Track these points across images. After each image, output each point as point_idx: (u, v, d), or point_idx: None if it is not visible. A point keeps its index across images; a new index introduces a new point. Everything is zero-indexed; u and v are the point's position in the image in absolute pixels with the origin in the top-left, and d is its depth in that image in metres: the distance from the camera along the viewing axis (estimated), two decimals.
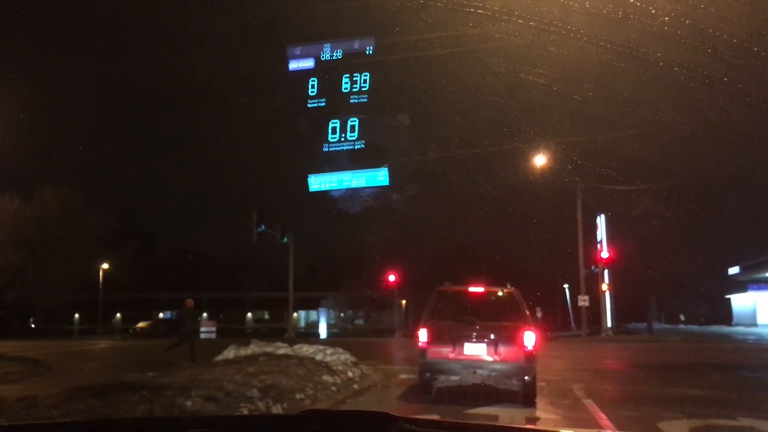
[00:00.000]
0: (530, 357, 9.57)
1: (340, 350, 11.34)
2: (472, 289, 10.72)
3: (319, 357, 10.87)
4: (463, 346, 9.73)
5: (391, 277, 42.07)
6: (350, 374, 10.20)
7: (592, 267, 34.46)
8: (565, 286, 50.99)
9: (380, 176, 12.91)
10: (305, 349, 11.29)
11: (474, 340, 9.71)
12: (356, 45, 12.28)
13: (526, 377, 9.53)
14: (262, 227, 30.36)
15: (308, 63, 12.38)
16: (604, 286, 33.67)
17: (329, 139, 12.00)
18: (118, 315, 72.80)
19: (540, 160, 31.75)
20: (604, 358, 19.60)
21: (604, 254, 33.69)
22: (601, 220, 35.77)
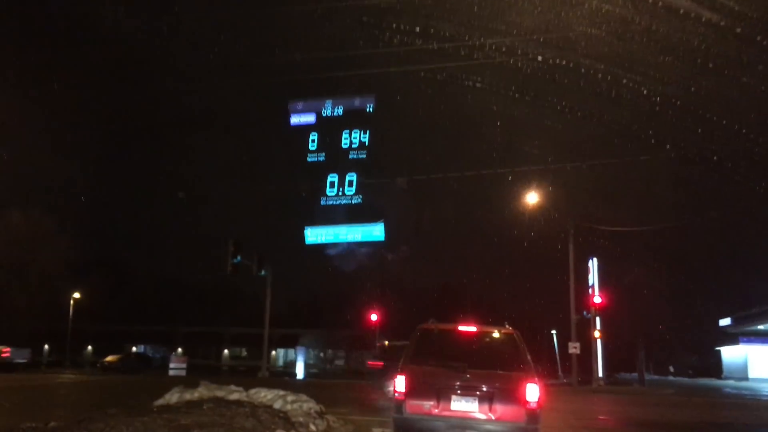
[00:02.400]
0: (533, 416, 7.79)
1: (304, 397, 9.64)
2: (462, 328, 8.76)
3: (277, 405, 9.19)
4: (449, 399, 7.92)
5: (373, 316, 40.32)
6: (312, 428, 8.51)
7: (584, 312, 32.90)
8: (553, 332, 49.47)
9: (376, 231, 13.30)
10: (262, 395, 9.59)
11: (463, 392, 7.91)
12: (357, 102, 13.04)
13: None
14: (238, 258, 28.66)
15: (310, 118, 13.06)
16: (597, 333, 32.04)
17: (327, 192, 12.39)
18: (90, 347, 70.14)
19: (531, 199, 30.55)
20: (602, 413, 18.00)
21: (597, 299, 32.16)
22: (593, 264, 34.40)
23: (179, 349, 63.25)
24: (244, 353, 71.81)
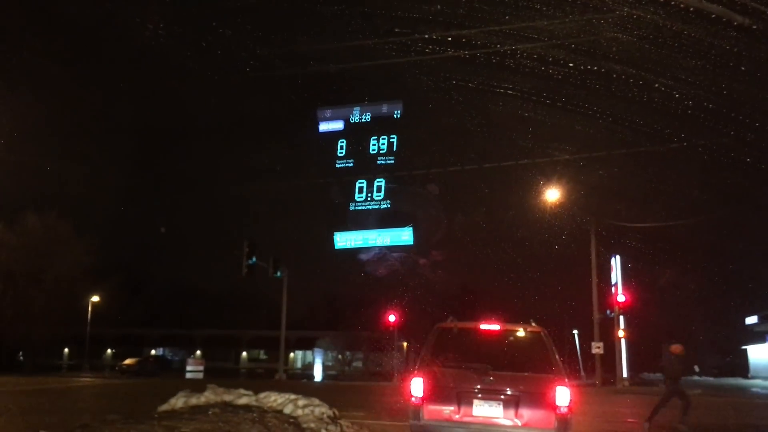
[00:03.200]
0: (564, 422, 7.02)
1: (316, 401, 9.07)
2: (484, 326, 7.93)
3: (288, 410, 8.64)
4: (471, 404, 7.21)
5: (392, 317, 39.70)
6: None
7: (607, 311, 32.04)
8: (575, 331, 48.65)
9: (405, 236, 13.47)
10: (272, 399, 9.05)
11: (487, 396, 7.21)
12: (384, 109, 13.10)
13: None
14: (253, 259, 28.25)
15: (338, 125, 13.09)
16: (621, 332, 31.15)
17: (356, 198, 12.43)
18: (109, 351, 70.33)
19: (552, 195, 29.71)
20: (630, 415, 17.19)
21: (620, 297, 31.31)
22: (616, 261, 33.53)
23: (198, 352, 63.18)
24: (263, 356, 71.55)
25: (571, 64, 14.03)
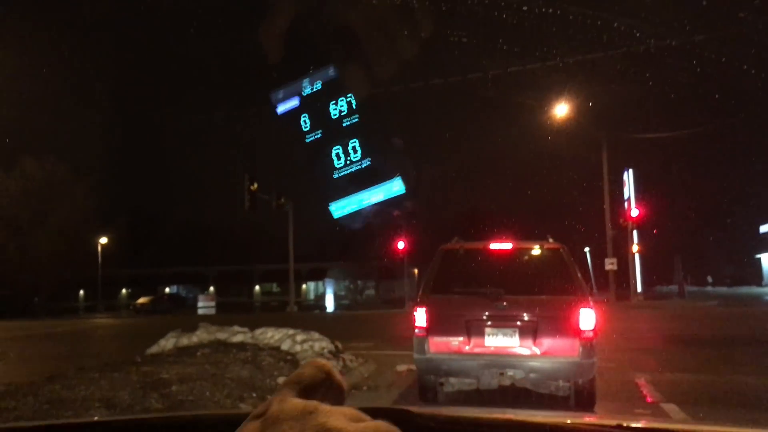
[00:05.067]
0: (589, 347, 6.21)
1: (316, 335, 8.44)
2: (494, 245, 6.92)
3: (285, 346, 8.01)
4: (483, 333, 6.36)
5: (400, 244, 39.18)
6: None
7: (621, 225, 31.33)
8: (586, 249, 48.20)
9: (395, 186, 12.69)
10: (269, 336, 8.42)
11: (500, 323, 6.36)
12: (331, 72, 11.81)
13: (582, 378, 6.28)
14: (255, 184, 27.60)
15: (293, 102, 11.96)
16: (635, 247, 30.53)
17: (335, 165, 11.80)
18: (124, 291, 71.02)
19: (561, 111, 28.43)
20: (648, 330, 16.71)
21: (634, 212, 30.51)
22: (629, 175, 32.56)
23: (211, 288, 63.65)
24: (276, 289, 71.97)
25: None
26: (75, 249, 42.12)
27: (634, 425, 1.54)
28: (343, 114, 11.72)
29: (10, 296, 45.70)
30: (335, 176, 12.31)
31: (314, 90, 12.06)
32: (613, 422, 1.50)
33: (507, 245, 7.00)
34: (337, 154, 11.92)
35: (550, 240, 7.06)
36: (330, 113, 11.80)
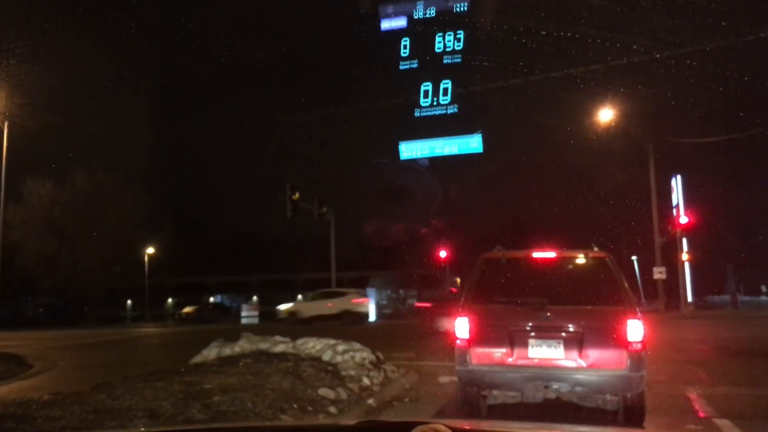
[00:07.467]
0: (638, 360, 5.98)
1: (357, 346, 8.39)
2: (537, 254, 6.77)
3: (326, 356, 7.99)
4: (526, 344, 6.19)
5: (443, 253, 39.03)
6: (366, 381, 7.27)
7: (672, 232, 30.48)
8: (634, 258, 47.15)
9: (473, 143, 12.59)
10: (310, 346, 8.42)
11: (544, 334, 6.16)
12: (450, 1, 11.60)
13: (630, 392, 6.06)
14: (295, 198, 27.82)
15: (401, 22, 11.94)
16: (684, 256, 29.68)
17: (421, 103, 11.54)
18: (170, 300, 72.44)
19: (606, 116, 27.84)
20: (700, 342, 16.16)
21: (683, 219, 29.67)
22: (677, 181, 31.73)
23: (254, 297, 64.37)
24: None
25: None
26: (123, 258, 43.13)
27: None
28: (447, 50, 11.48)
29: (62, 305, 47.11)
30: (417, 114, 12.04)
31: (427, 15, 11.80)
32: None
33: (550, 254, 6.83)
34: (426, 92, 11.71)
35: (595, 248, 6.83)
36: (435, 45, 11.56)
